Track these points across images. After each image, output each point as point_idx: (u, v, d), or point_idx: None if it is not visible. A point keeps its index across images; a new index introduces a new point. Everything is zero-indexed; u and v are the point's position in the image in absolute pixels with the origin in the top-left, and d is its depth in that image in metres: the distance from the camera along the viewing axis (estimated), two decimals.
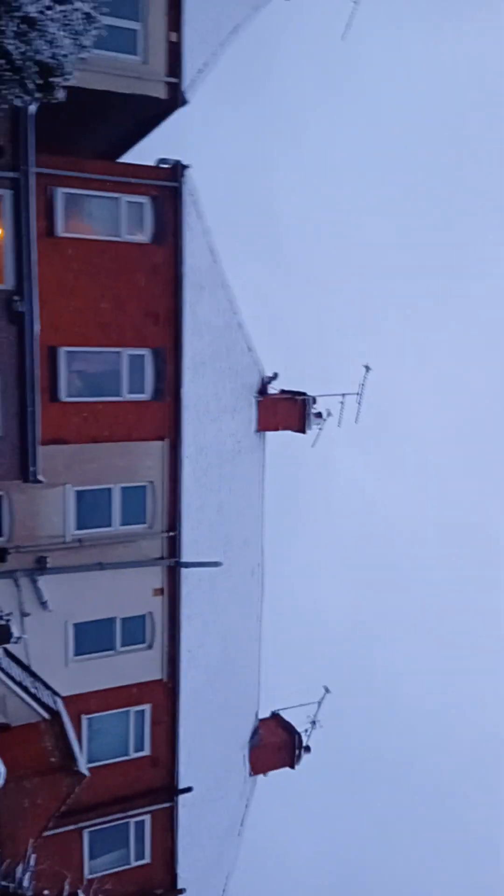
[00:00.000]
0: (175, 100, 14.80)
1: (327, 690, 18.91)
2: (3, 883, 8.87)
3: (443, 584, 41.15)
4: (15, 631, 9.31)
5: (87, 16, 9.58)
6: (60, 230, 13.94)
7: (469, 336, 45.13)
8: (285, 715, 19.45)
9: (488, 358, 46.26)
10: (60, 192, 13.85)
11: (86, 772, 12.57)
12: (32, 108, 11.86)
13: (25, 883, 8.65)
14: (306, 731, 18.88)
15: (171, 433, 15.54)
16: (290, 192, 43.56)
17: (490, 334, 46.82)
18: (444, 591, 40.57)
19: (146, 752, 16.20)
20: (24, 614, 14.28)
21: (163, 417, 15.45)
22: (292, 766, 18.87)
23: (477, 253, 44.53)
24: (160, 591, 15.90)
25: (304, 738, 18.78)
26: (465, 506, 43.53)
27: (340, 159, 44.44)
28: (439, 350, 45.80)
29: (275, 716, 19.51)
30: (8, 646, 11.79)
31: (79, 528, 14.96)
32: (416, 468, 45.65)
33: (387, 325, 43.31)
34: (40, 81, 9.42)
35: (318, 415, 17.88)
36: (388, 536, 43.10)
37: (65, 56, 9.37)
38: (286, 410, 17.69)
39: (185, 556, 15.98)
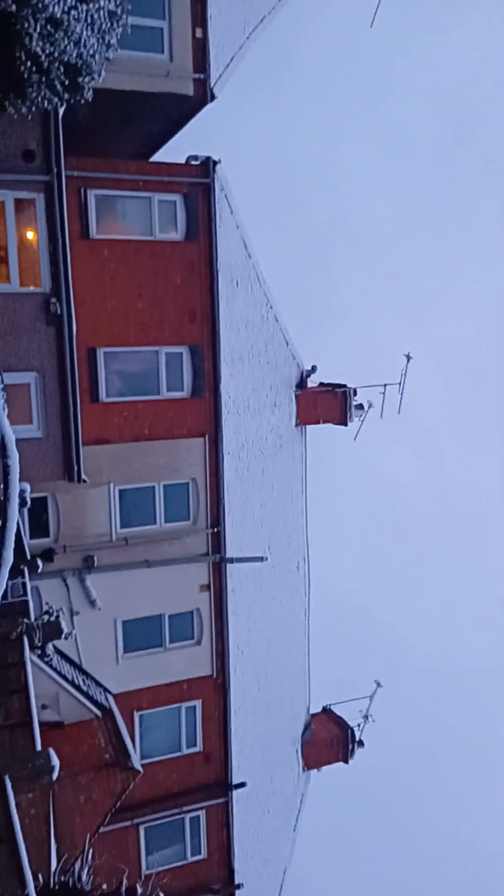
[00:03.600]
0: (203, 96, 14.79)
1: (378, 684, 18.70)
2: (62, 878, 8.94)
3: (493, 574, 40.44)
4: (65, 627, 9.41)
5: (112, 14, 9.61)
6: (94, 232, 14.06)
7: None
8: (337, 710, 19.31)
9: None
10: (93, 194, 13.98)
11: (139, 768, 12.63)
12: (61, 110, 11.95)
13: (84, 878, 8.69)
14: (359, 725, 18.72)
15: (212, 430, 15.55)
16: (315, 182, 43.29)
17: None
18: (497, 581, 39.85)
19: (198, 748, 16.26)
20: (73, 613, 14.45)
21: (202, 414, 15.47)
22: (346, 761, 18.72)
23: None
24: (206, 587, 15.93)
25: (357, 733, 18.61)
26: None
27: (365, 148, 44.03)
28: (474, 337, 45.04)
29: (326, 710, 19.38)
30: (59, 644, 11.92)
31: (123, 526, 15.08)
32: (456, 458, 44.95)
33: (424, 312, 42.76)
34: (67, 82, 9.49)
35: (360, 406, 17.69)
36: (437, 527, 42.55)
37: (91, 56, 9.42)
38: (326, 403, 17.54)
39: (230, 552, 15.98)
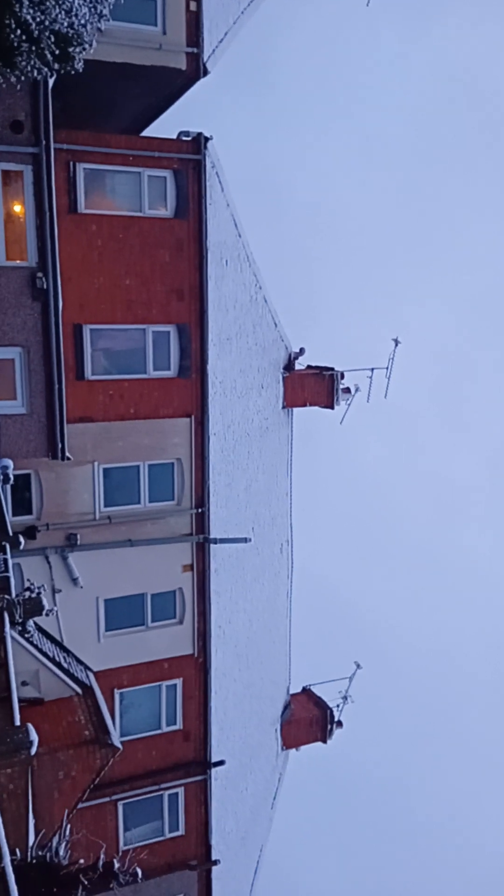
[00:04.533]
0: (196, 71, 14.56)
1: (358, 666, 18.88)
2: (40, 853, 9.00)
3: (476, 558, 40.88)
4: (46, 604, 9.38)
5: None
6: (82, 206, 13.87)
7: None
8: (317, 690, 19.49)
9: None
10: (82, 168, 13.77)
11: (119, 745, 12.68)
12: (51, 80, 11.72)
13: (61, 852, 8.75)
14: (338, 706, 18.90)
15: (198, 410, 15.49)
16: (299, 167, 43.10)
17: None
18: (476, 567, 40.28)
19: (178, 726, 16.35)
20: (55, 591, 14.43)
21: (189, 394, 15.39)
22: (324, 741, 18.92)
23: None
24: (189, 567, 15.95)
25: (336, 713, 18.80)
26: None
27: (351, 134, 43.85)
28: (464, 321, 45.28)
29: (306, 691, 19.56)
30: (40, 621, 11.90)
31: (107, 505, 15.03)
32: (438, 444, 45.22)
33: (411, 297, 42.83)
34: (58, 52, 9.30)
35: (347, 390, 17.68)
36: (418, 512, 42.84)
37: (83, 25, 9.23)
38: (314, 386, 17.51)
39: (214, 533, 15.99)
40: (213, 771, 16.60)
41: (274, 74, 36.02)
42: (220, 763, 16.64)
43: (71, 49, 9.55)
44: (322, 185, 42.20)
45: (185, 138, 14.66)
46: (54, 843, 9.52)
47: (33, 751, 5.98)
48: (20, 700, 9.94)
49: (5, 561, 10.41)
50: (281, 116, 41.17)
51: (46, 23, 8.97)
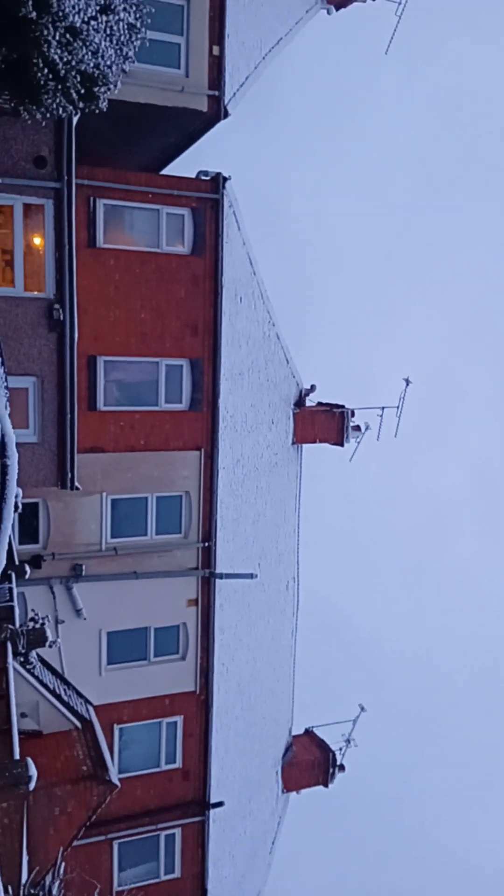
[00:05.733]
0: (217, 113, 14.90)
1: (363, 708, 18.55)
2: (32, 891, 8.79)
3: (488, 604, 40.42)
4: (50, 635, 9.30)
5: (132, 27, 9.69)
6: (101, 241, 14.09)
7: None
8: (319, 732, 19.14)
9: None
10: (102, 204, 14.02)
11: (117, 782, 12.46)
12: (75, 118, 12.02)
13: (55, 892, 8.55)
14: (341, 749, 18.55)
15: (208, 444, 15.52)
16: (306, 204, 44.15)
17: None
18: (489, 612, 39.82)
19: (178, 764, 16.07)
20: (58, 621, 14.32)
21: (199, 428, 15.44)
22: (326, 785, 18.53)
23: None
24: (194, 602, 15.82)
25: (339, 757, 18.44)
26: None
27: (357, 173, 44.98)
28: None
29: (309, 733, 19.21)
30: (42, 652, 11.79)
31: (114, 536, 14.99)
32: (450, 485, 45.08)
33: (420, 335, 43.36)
34: (83, 91, 9.54)
35: (357, 428, 17.69)
36: (416, 532, 42.58)
37: (108, 66, 9.48)
38: (324, 423, 17.54)
39: (220, 568, 15.89)
40: (212, 812, 16.27)
41: (279, 107, 37.03)
42: (220, 804, 16.31)
43: (96, 89, 9.80)
44: (324, 214, 43.23)
45: (203, 178, 14.94)
46: (48, 882, 9.32)
47: (32, 786, 5.87)
48: (19, 732, 9.80)
49: (10, 590, 10.36)
50: (285, 148, 42.39)
51: (73, 63, 9.22)
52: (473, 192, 44.91)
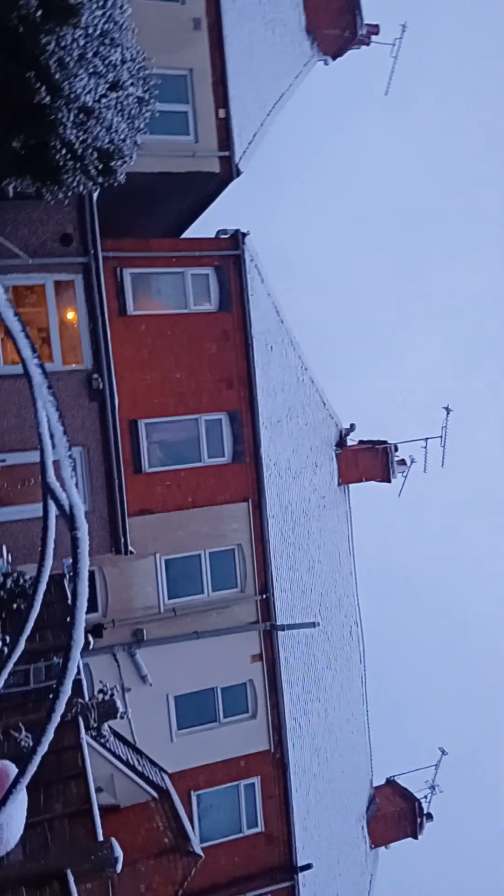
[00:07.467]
0: (229, 172, 15.26)
1: (444, 752, 17.86)
2: None
3: None
4: (120, 706, 9.16)
5: (140, 100, 10.03)
6: (131, 308, 14.38)
7: None
8: (402, 781, 18.42)
9: None
10: (128, 273, 14.35)
11: (200, 852, 12.08)
12: (95, 194, 12.40)
13: None
14: (426, 797, 17.80)
15: (254, 494, 15.45)
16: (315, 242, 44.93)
17: None
18: None
19: (260, 828, 15.56)
20: (125, 689, 14.15)
21: (244, 479, 15.40)
22: (415, 837, 17.73)
23: None
24: (258, 657, 15.53)
25: (425, 805, 17.68)
26: None
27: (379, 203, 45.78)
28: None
29: (390, 783, 18.49)
30: (112, 723, 11.61)
31: (171, 597, 14.88)
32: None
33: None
34: (101, 167, 9.85)
35: (402, 462, 17.48)
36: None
37: (122, 140, 9.79)
38: (368, 461, 17.37)
39: (281, 619, 15.61)
40: (301, 875, 15.63)
41: (288, 157, 37.99)
42: (308, 867, 15.67)
43: (113, 163, 10.11)
44: (335, 255, 43.88)
45: (223, 236, 15.24)
46: None
47: (119, 868, 5.68)
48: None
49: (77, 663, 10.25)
50: (296, 197, 43.46)
51: (89, 140, 9.54)
52: (476, 218, 45.64)
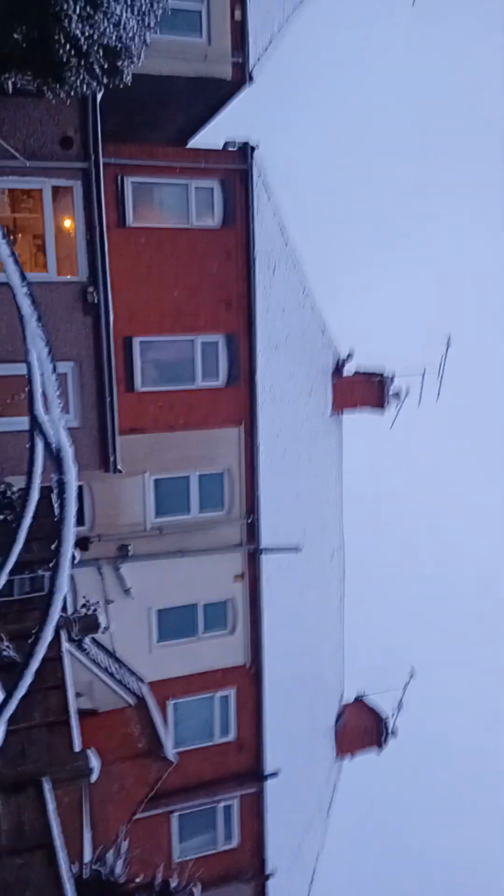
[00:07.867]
0: (241, 79, 14.49)
1: (412, 674, 18.54)
2: (96, 868, 8.93)
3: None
4: (102, 621, 9.39)
5: None
6: (131, 220, 13.91)
7: None
8: (370, 698, 19.18)
9: None
10: (130, 181, 13.81)
11: (173, 757, 12.65)
12: (99, 95, 11.77)
13: (118, 870, 8.67)
14: (392, 714, 18.58)
15: (247, 419, 15.39)
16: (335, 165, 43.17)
17: None
18: None
19: (232, 736, 16.26)
20: (107, 601, 14.47)
21: (238, 403, 15.30)
22: (379, 746, 18.59)
23: None
24: (240, 577, 15.85)
25: (391, 723, 18.48)
26: None
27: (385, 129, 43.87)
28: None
29: (359, 700, 19.27)
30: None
31: (158, 515, 15.04)
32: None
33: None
34: (107, 66, 9.31)
35: (397, 395, 17.38)
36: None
37: (131, 38, 9.22)
38: (364, 389, 17.28)
39: (265, 542, 15.86)
40: (267, 782, 16.46)
41: (303, 69, 36.01)
42: (275, 774, 16.49)
43: (119, 63, 9.55)
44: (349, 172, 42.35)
45: (231, 148, 14.60)
46: (110, 859, 9.47)
47: (94, 778, 5.92)
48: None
49: None
50: (308, 111, 41.51)
51: (95, 37, 8.98)
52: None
